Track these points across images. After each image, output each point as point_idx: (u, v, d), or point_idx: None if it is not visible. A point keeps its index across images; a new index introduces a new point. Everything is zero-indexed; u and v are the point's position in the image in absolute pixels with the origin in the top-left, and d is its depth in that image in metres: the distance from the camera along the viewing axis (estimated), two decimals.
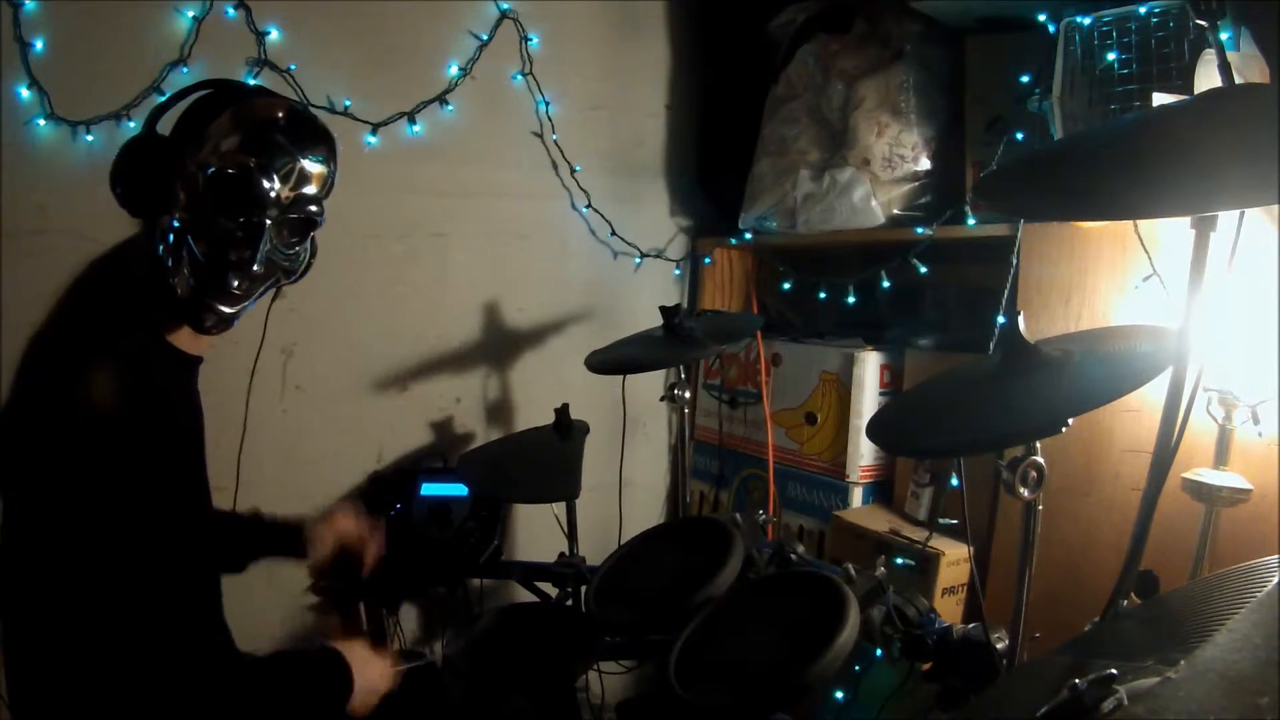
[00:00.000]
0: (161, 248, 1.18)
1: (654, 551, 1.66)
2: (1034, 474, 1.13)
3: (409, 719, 1.56)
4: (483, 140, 2.30)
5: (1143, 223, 1.54)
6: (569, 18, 2.38)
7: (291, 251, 1.26)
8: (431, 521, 2.10)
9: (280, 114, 1.22)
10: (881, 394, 2.18)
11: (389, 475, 2.25)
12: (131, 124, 1.85)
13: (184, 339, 1.24)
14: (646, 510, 2.67)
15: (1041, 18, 1.76)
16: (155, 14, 1.89)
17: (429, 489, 2.16)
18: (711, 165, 2.61)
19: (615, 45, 2.51)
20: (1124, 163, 1.04)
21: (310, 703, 1.18)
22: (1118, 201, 1.03)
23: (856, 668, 1.67)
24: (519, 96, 2.34)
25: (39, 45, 1.77)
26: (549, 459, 1.95)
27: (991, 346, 1.72)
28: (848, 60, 2.17)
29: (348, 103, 2.10)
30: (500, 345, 2.41)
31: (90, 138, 1.83)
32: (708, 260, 2.62)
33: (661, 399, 2.26)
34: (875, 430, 1.27)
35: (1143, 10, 1.55)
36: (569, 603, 1.91)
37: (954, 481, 1.83)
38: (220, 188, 1.16)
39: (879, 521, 2.03)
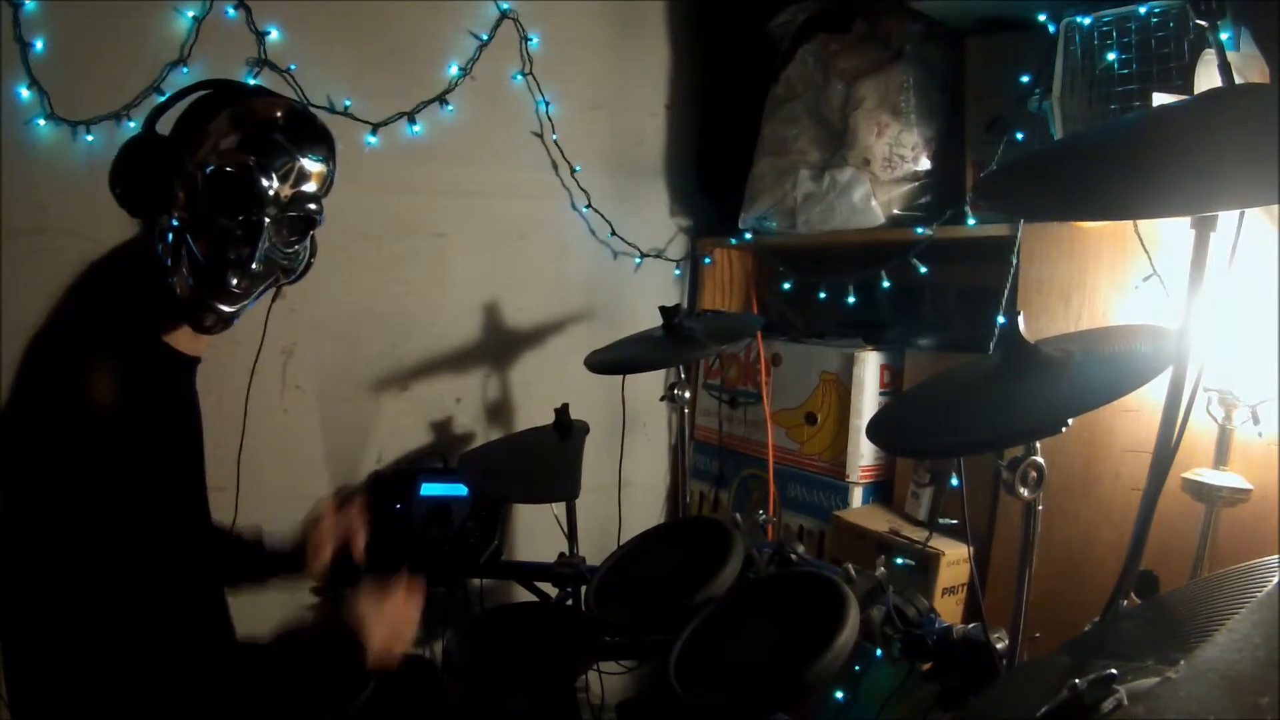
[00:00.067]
0: (160, 247, 1.18)
1: (654, 551, 1.66)
2: (1034, 474, 1.13)
3: (409, 719, 1.56)
4: (483, 140, 2.30)
5: (1143, 223, 1.54)
6: (569, 18, 2.38)
7: (291, 250, 1.26)
8: (431, 521, 2.10)
9: (279, 113, 1.22)
10: (881, 394, 2.18)
11: (389, 475, 2.25)
12: (131, 124, 1.84)
13: (183, 339, 1.24)
14: (646, 510, 2.67)
15: (1041, 18, 1.76)
16: (155, 14, 1.89)
17: (429, 489, 2.16)
18: (711, 165, 2.61)
19: (615, 45, 2.51)
20: (1124, 163, 1.04)
21: (317, 683, 1.17)
22: (1118, 201, 1.03)
23: (856, 668, 1.67)
24: (519, 96, 2.34)
25: (39, 45, 1.77)
26: (549, 459, 1.95)
27: (991, 346, 1.72)
28: (848, 60, 2.17)
29: (348, 103, 2.10)
30: (500, 345, 2.41)
31: (90, 138, 1.83)
32: (708, 260, 2.62)
33: (661, 399, 2.26)
34: (875, 430, 1.27)
35: (1143, 10, 1.55)
36: (569, 603, 1.91)
37: (954, 481, 1.83)
38: (219, 186, 1.16)
39: (879, 521, 2.03)
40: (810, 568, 1.61)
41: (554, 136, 2.38)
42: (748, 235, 2.40)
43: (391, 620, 1.26)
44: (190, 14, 1.90)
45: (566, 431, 1.97)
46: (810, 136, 2.22)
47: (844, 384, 2.20)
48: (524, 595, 2.05)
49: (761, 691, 1.19)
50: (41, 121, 1.79)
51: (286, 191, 1.20)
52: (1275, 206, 1.36)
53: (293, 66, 2.01)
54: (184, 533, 1.22)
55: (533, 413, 2.35)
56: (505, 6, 2.27)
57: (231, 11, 1.95)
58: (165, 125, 1.24)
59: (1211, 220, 1.02)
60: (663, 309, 1.91)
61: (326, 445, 2.18)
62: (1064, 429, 0.99)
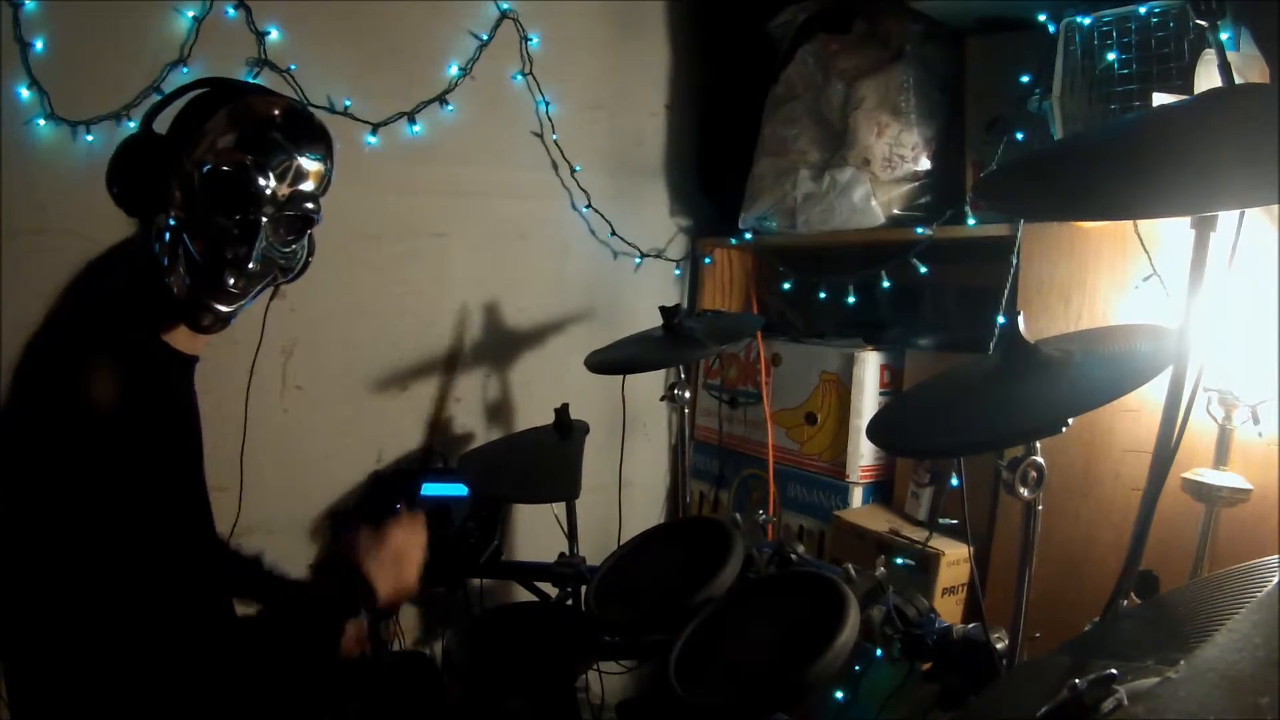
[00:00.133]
0: (158, 247, 1.18)
1: (654, 551, 1.66)
2: (1034, 474, 1.13)
3: (409, 719, 1.56)
4: (483, 140, 2.30)
5: (1143, 223, 1.54)
6: (569, 18, 2.38)
7: (288, 249, 1.26)
8: (432, 521, 2.09)
9: (276, 111, 1.22)
10: (881, 394, 2.18)
11: (389, 475, 2.25)
12: (131, 124, 1.84)
13: (180, 339, 1.24)
14: (646, 510, 2.67)
15: (1041, 18, 1.76)
16: (155, 14, 1.89)
17: (429, 489, 2.16)
18: (711, 165, 2.61)
19: (615, 45, 2.51)
20: (1124, 163, 1.04)
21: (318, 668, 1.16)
22: (1118, 201, 1.03)
23: (856, 668, 1.67)
24: (519, 96, 2.34)
25: (39, 45, 1.77)
26: (549, 459, 1.95)
27: (991, 346, 1.72)
28: (848, 60, 2.17)
29: (348, 103, 2.10)
30: (500, 345, 2.41)
31: (90, 138, 1.83)
32: (708, 260, 2.62)
33: (661, 399, 2.26)
34: (875, 430, 1.27)
35: (1143, 10, 1.55)
36: (569, 603, 1.91)
37: (954, 481, 1.83)
38: (216, 185, 1.16)
39: (879, 521, 2.03)
40: (810, 568, 1.61)
41: (554, 136, 2.38)
42: (748, 235, 2.40)
43: (396, 555, 1.27)
44: (190, 14, 1.90)
45: (566, 431, 1.97)
46: (810, 136, 2.22)
47: (844, 384, 2.20)
48: (524, 595, 2.05)
49: (761, 691, 1.19)
50: (41, 121, 1.79)
51: (284, 190, 1.20)
52: (1275, 206, 1.36)
53: (293, 66, 2.01)
54: (183, 532, 1.22)
55: (533, 413, 2.36)
56: (505, 6, 2.27)
57: (231, 11, 1.95)
58: (163, 124, 1.24)
59: (1211, 220, 1.02)
60: (663, 309, 1.91)
61: (326, 445, 2.18)
62: (1064, 429, 0.99)
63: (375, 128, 2.14)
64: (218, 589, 1.38)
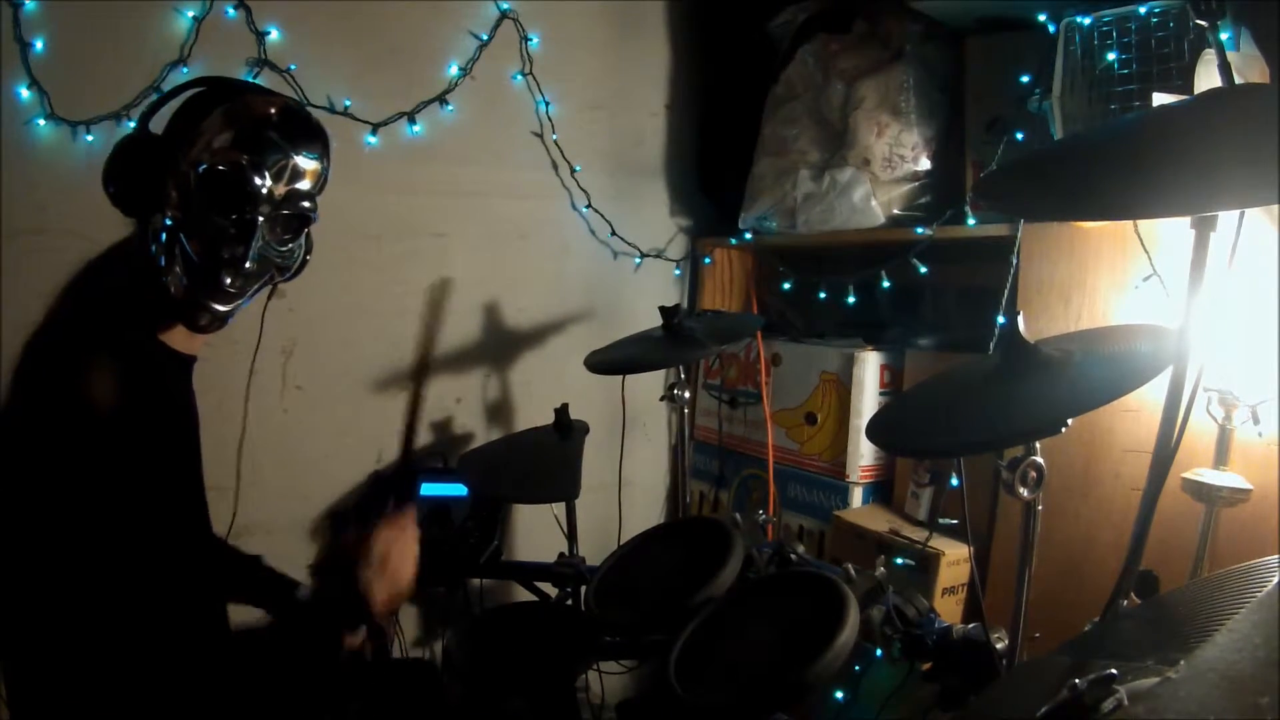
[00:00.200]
0: (154, 247, 1.18)
1: (654, 551, 1.66)
2: (1034, 474, 1.13)
3: (410, 719, 1.56)
4: (483, 140, 2.30)
5: (1143, 223, 1.54)
6: (569, 18, 2.38)
7: (285, 248, 1.26)
8: (431, 521, 2.10)
9: (273, 110, 1.22)
10: (881, 394, 2.18)
11: (389, 475, 2.24)
12: (131, 124, 1.84)
13: (178, 338, 1.24)
14: (646, 510, 2.67)
15: (1041, 18, 1.76)
16: (155, 14, 1.89)
17: (429, 489, 2.16)
18: (711, 165, 2.61)
19: (615, 45, 2.51)
20: (1124, 163, 1.04)
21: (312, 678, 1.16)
22: (1118, 201, 1.03)
23: (856, 668, 1.67)
24: (519, 96, 2.34)
25: (39, 45, 1.77)
26: (549, 459, 1.95)
27: (991, 346, 1.72)
28: (848, 60, 2.17)
29: (348, 103, 2.10)
30: (500, 345, 2.41)
31: (90, 138, 1.83)
32: (708, 260, 2.62)
33: (661, 399, 2.26)
34: (875, 430, 1.27)
35: (1143, 10, 1.55)
36: (569, 603, 1.91)
37: (954, 481, 1.83)
38: (212, 185, 1.16)
39: (879, 521, 2.03)
40: (810, 568, 1.61)
41: (554, 136, 2.38)
42: (748, 235, 2.40)
43: (388, 560, 1.23)
44: (190, 14, 1.90)
45: (566, 431, 1.97)
46: (810, 136, 2.22)
47: (844, 384, 2.20)
48: (524, 595, 2.05)
49: (761, 691, 1.19)
50: (41, 121, 1.79)
51: (280, 189, 1.20)
52: (1275, 206, 1.36)
53: (293, 66, 2.01)
54: (181, 531, 1.22)
55: (533, 413, 2.35)
56: (505, 6, 2.27)
57: (231, 11, 1.95)
58: (161, 125, 1.24)
59: (1211, 220, 1.02)
60: (663, 309, 1.90)
61: (326, 445, 2.18)
62: (1064, 429, 0.99)
63: (375, 128, 2.14)
64: (214, 588, 1.38)
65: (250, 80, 1.90)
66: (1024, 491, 1.13)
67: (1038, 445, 1.12)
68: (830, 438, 2.23)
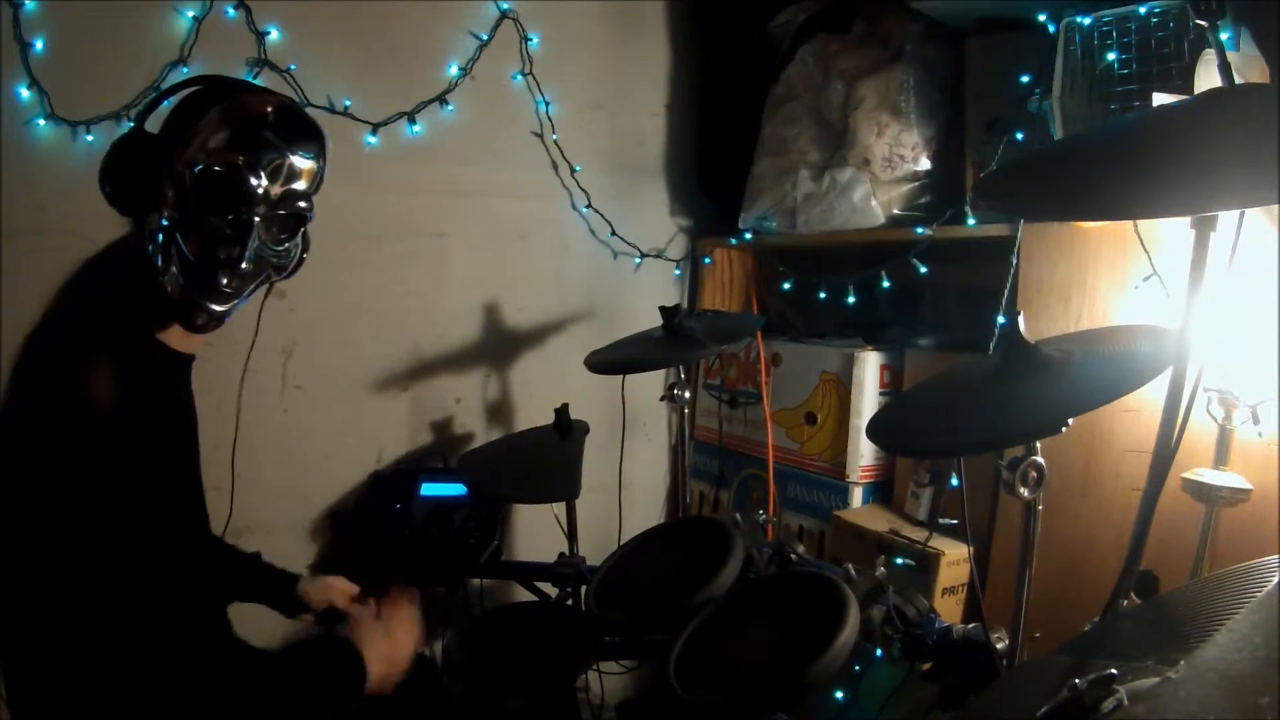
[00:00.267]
0: (151, 247, 1.18)
1: (654, 551, 1.66)
2: (1034, 474, 1.13)
3: (409, 719, 1.56)
4: (483, 140, 2.30)
5: (1143, 223, 1.54)
6: (569, 18, 2.38)
7: (282, 248, 1.26)
8: (431, 521, 2.10)
9: (269, 110, 1.21)
10: (881, 394, 2.18)
11: (389, 475, 2.25)
12: (131, 124, 1.84)
13: (175, 338, 1.24)
14: (646, 510, 2.67)
15: (1041, 18, 1.76)
16: (155, 14, 1.89)
17: (429, 489, 2.16)
18: (711, 165, 2.61)
19: (615, 45, 2.51)
20: (1124, 163, 1.04)
21: (315, 692, 1.17)
22: (1118, 201, 1.03)
23: (856, 668, 1.67)
24: (519, 96, 2.34)
25: (39, 45, 1.77)
26: (549, 459, 1.95)
27: (991, 346, 1.72)
28: (848, 60, 2.17)
29: (348, 103, 2.10)
30: (500, 345, 2.41)
31: (90, 138, 1.83)
32: (708, 260, 2.62)
33: (661, 399, 2.26)
34: (875, 430, 1.27)
35: (1143, 10, 1.55)
36: (569, 603, 1.91)
37: (954, 481, 1.83)
38: (208, 185, 1.16)
39: (879, 521, 2.03)
40: (810, 568, 1.61)
41: (554, 136, 2.38)
42: (748, 235, 2.40)
43: (392, 647, 1.28)
44: (190, 14, 1.90)
45: (566, 431, 1.97)
46: (810, 136, 2.22)
47: (844, 384, 2.20)
48: (524, 595, 2.05)
49: (761, 691, 1.19)
50: (41, 121, 1.79)
51: (276, 189, 1.20)
52: (1275, 206, 1.36)
53: (293, 66, 2.01)
54: (179, 530, 1.22)
55: (533, 413, 2.35)
56: (505, 6, 2.27)
57: (231, 11, 1.95)
58: (158, 124, 1.24)
59: (1211, 220, 1.02)
60: (663, 309, 1.91)
61: (326, 445, 2.18)
62: (1064, 429, 0.99)
63: (375, 128, 2.14)
64: (214, 587, 1.38)
65: (249, 80, 1.90)
66: (1024, 491, 1.14)
67: (1038, 445, 1.12)
68: (830, 438, 2.23)
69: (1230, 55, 1.30)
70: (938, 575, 1.82)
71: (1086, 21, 1.62)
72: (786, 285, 2.44)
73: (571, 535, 2.02)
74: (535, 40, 2.31)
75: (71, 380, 1.08)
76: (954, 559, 1.83)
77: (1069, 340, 1.23)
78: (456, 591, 2.15)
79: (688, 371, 2.06)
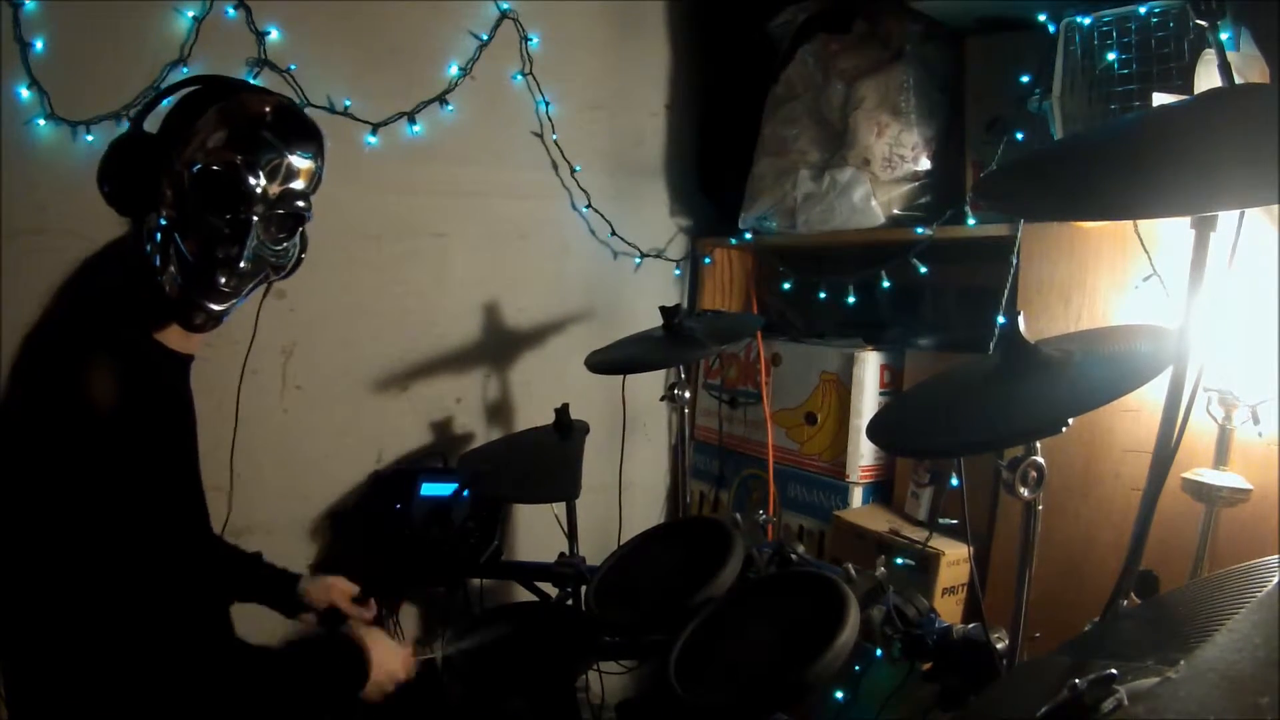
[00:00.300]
0: (149, 246, 1.18)
1: (654, 551, 1.66)
2: (1034, 474, 1.13)
3: (409, 719, 1.56)
4: (483, 140, 2.30)
5: (1143, 223, 1.54)
6: (569, 18, 2.38)
7: (280, 248, 1.26)
8: (431, 521, 2.10)
9: (267, 110, 1.21)
10: (881, 394, 2.18)
11: (389, 475, 2.25)
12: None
13: (174, 337, 1.24)
14: (646, 510, 2.67)
15: (1041, 18, 1.76)
16: (155, 14, 1.89)
17: (429, 489, 2.16)
18: (711, 165, 2.61)
19: (615, 45, 2.51)
20: (1124, 163, 1.04)
21: (319, 689, 1.18)
22: (1118, 201, 1.03)
23: (856, 668, 1.67)
24: (519, 96, 2.34)
25: (39, 45, 1.77)
26: (549, 459, 1.95)
27: (991, 346, 1.72)
28: (848, 60, 2.17)
29: (348, 103, 2.10)
30: (500, 345, 2.41)
31: (90, 138, 1.83)
32: (708, 260, 2.62)
33: (661, 399, 2.26)
34: (875, 430, 1.27)
35: (1143, 10, 1.55)
36: (569, 603, 1.91)
37: (954, 481, 1.83)
38: (206, 185, 1.16)
39: (879, 521, 2.03)
40: (810, 568, 1.61)
41: (554, 136, 2.38)
42: (748, 235, 2.40)
43: (393, 661, 1.30)
44: (190, 14, 1.90)
45: (566, 431, 1.97)
46: (810, 136, 2.22)
47: (844, 384, 2.20)
48: (524, 595, 2.05)
49: (761, 691, 1.19)
50: (41, 121, 1.79)
51: (274, 189, 1.20)
52: (1275, 206, 1.36)
53: (293, 66, 2.01)
54: (178, 529, 1.22)
55: (533, 413, 2.35)
56: (505, 6, 2.27)
57: (231, 11, 1.95)
58: (156, 124, 1.24)
59: (1211, 220, 1.02)
60: (663, 309, 1.91)
61: (326, 445, 2.18)
62: (1064, 429, 0.99)
63: (375, 128, 2.14)
64: (215, 586, 1.38)
65: (249, 80, 1.90)
66: (1024, 491, 1.13)
67: (1038, 445, 1.12)
68: (830, 438, 2.23)
69: (1230, 55, 1.30)
70: (938, 575, 1.82)
71: (1086, 21, 1.62)
72: (786, 285, 2.44)
73: (571, 535, 2.02)
74: (535, 40, 2.31)
75: (69, 380, 1.08)
76: (954, 559, 1.83)
77: (1069, 340, 1.23)
78: (456, 591, 2.15)
79: (688, 371, 2.06)
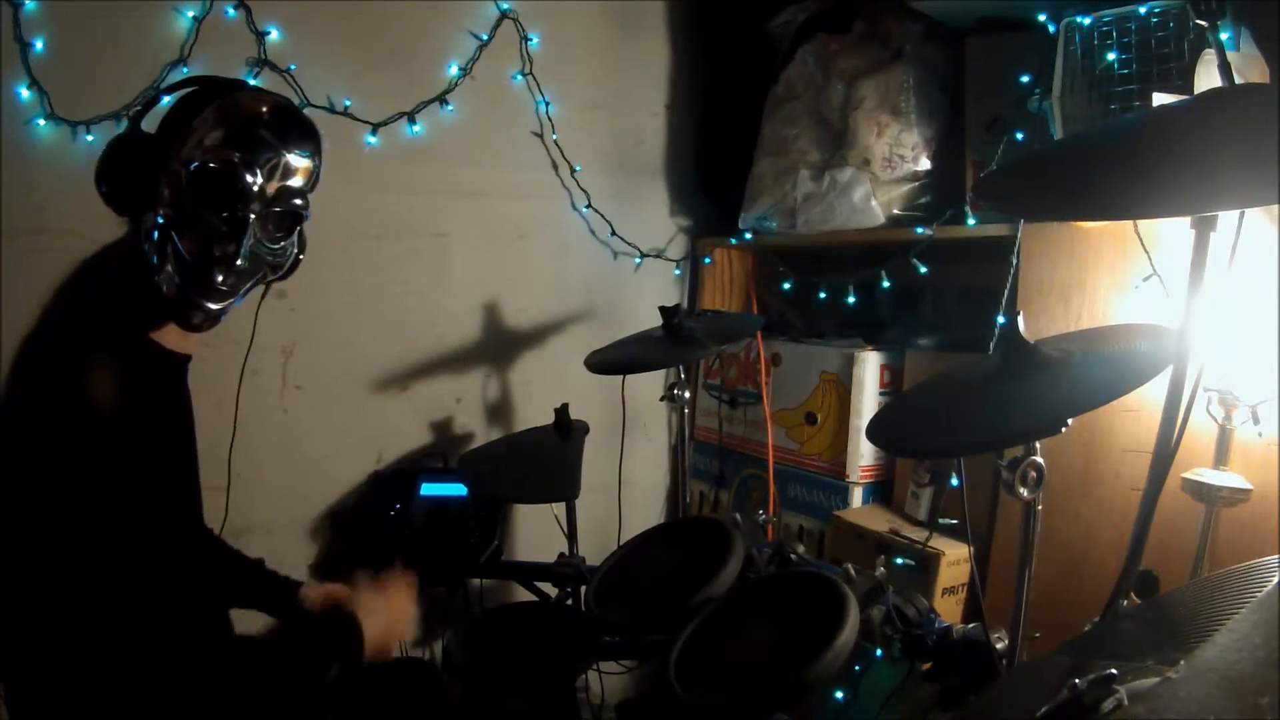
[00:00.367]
0: (147, 245, 1.18)
1: (654, 551, 1.66)
2: (1034, 474, 1.13)
3: (409, 719, 1.56)
4: (483, 140, 2.30)
5: (1143, 223, 1.54)
6: (569, 18, 2.38)
7: (278, 247, 1.26)
8: (431, 521, 2.10)
9: (264, 108, 1.21)
10: (881, 394, 2.18)
11: (389, 475, 2.25)
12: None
13: (172, 337, 1.24)
14: (646, 510, 2.67)
15: (1041, 18, 1.76)
16: (155, 14, 1.89)
17: (429, 489, 2.16)
18: (711, 165, 2.61)
19: (615, 45, 2.51)
20: (1124, 163, 1.04)
21: (315, 665, 1.17)
22: (1118, 201, 1.03)
23: (856, 668, 1.67)
24: (519, 96, 2.34)
25: (39, 45, 1.77)
26: (549, 459, 1.95)
27: (991, 346, 1.72)
28: (848, 60, 2.17)
29: (348, 103, 2.10)
30: (500, 345, 2.41)
31: (90, 138, 1.83)
32: (708, 260, 2.62)
33: (661, 399, 2.26)
34: (875, 430, 1.27)
35: (1143, 10, 1.55)
36: (569, 603, 1.91)
37: (954, 481, 1.83)
38: (203, 183, 1.16)
39: (879, 521, 2.03)
40: (810, 568, 1.61)
41: (554, 136, 2.38)
42: (748, 235, 2.40)
43: (389, 616, 1.30)
44: (190, 14, 1.90)
45: (566, 431, 1.97)
46: (810, 136, 2.22)
47: (844, 384, 2.20)
48: (524, 595, 2.05)
49: (761, 691, 1.19)
50: (41, 121, 1.79)
51: (272, 187, 1.20)
52: (1275, 206, 1.36)
53: (293, 66, 2.01)
54: (176, 530, 1.22)
55: (533, 413, 2.35)
56: (505, 6, 2.27)
57: (231, 11, 1.95)
58: (154, 124, 1.24)
59: (1211, 220, 1.02)
60: (663, 309, 1.91)
61: (326, 445, 2.18)
62: (1064, 429, 0.99)
63: (375, 128, 2.14)
64: (213, 587, 1.38)
65: (249, 80, 1.90)
66: (1024, 491, 1.14)
67: (1038, 445, 1.12)
68: (830, 438, 2.23)
69: (1230, 55, 1.30)
70: (938, 575, 1.82)
71: (1086, 21, 1.62)
72: (786, 285, 2.44)
73: (571, 535, 2.02)
74: (535, 40, 2.31)
75: (67, 381, 1.08)
76: (954, 559, 1.83)
77: (1069, 340, 1.23)
78: (456, 591, 2.15)
79: (688, 371, 2.06)
